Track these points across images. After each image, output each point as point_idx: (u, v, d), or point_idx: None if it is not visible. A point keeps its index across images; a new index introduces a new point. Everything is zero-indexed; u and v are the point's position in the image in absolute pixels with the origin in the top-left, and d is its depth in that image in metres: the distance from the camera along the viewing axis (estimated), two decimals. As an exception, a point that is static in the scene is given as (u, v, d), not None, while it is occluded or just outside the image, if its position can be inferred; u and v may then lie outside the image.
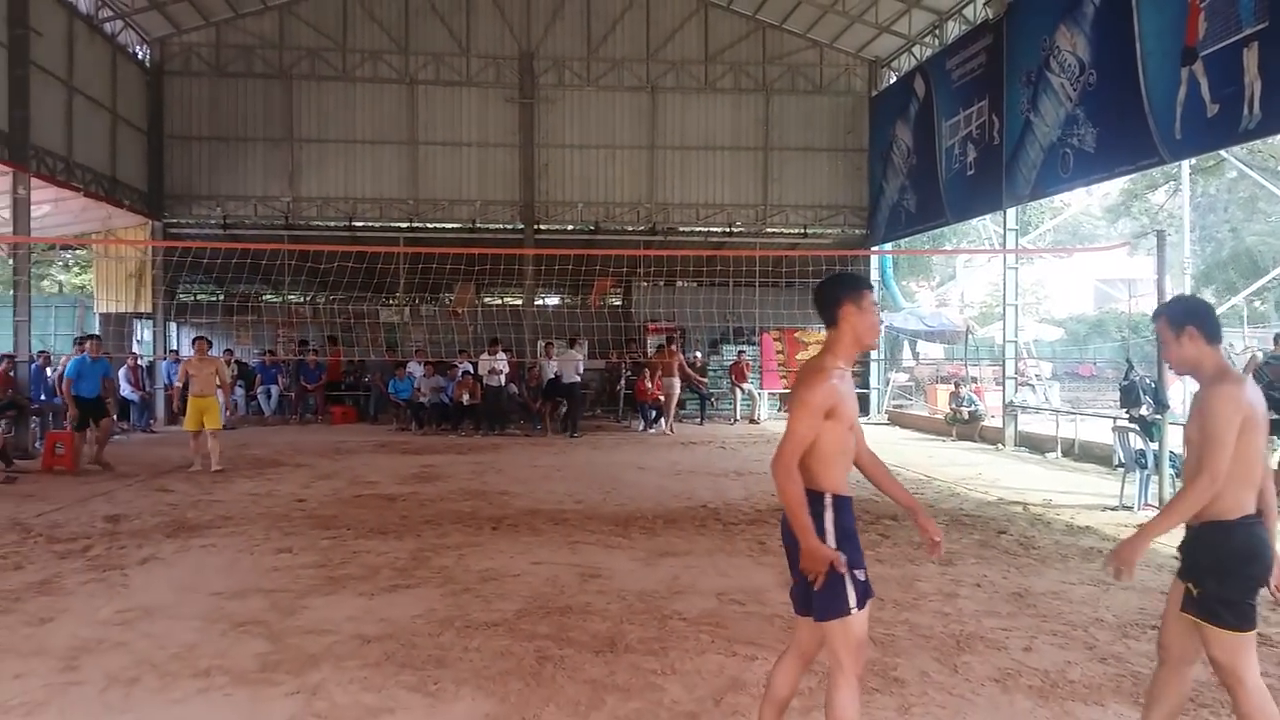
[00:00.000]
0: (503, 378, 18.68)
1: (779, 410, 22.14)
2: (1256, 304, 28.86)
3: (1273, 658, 5.23)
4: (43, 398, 15.61)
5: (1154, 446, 10.34)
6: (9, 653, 5.28)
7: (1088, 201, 32.52)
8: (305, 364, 21.07)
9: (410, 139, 21.79)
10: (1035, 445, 16.03)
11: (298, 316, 23.46)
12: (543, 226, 22.17)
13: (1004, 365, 17.64)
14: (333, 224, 21.90)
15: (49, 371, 16.80)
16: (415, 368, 19.74)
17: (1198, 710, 4.53)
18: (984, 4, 17.23)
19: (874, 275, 23.27)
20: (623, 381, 21.38)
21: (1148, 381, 12.18)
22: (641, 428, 19.33)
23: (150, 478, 12.27)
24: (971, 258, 35.03)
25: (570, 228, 22.53)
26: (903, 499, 3.96)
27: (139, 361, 19.78)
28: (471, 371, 19.05)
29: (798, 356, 22.39)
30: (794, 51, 22.55)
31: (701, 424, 20.17)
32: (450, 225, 22.33)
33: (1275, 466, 3.54)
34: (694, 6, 22.24)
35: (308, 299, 24.16)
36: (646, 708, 4.57)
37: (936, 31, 19.62)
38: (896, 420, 21.92)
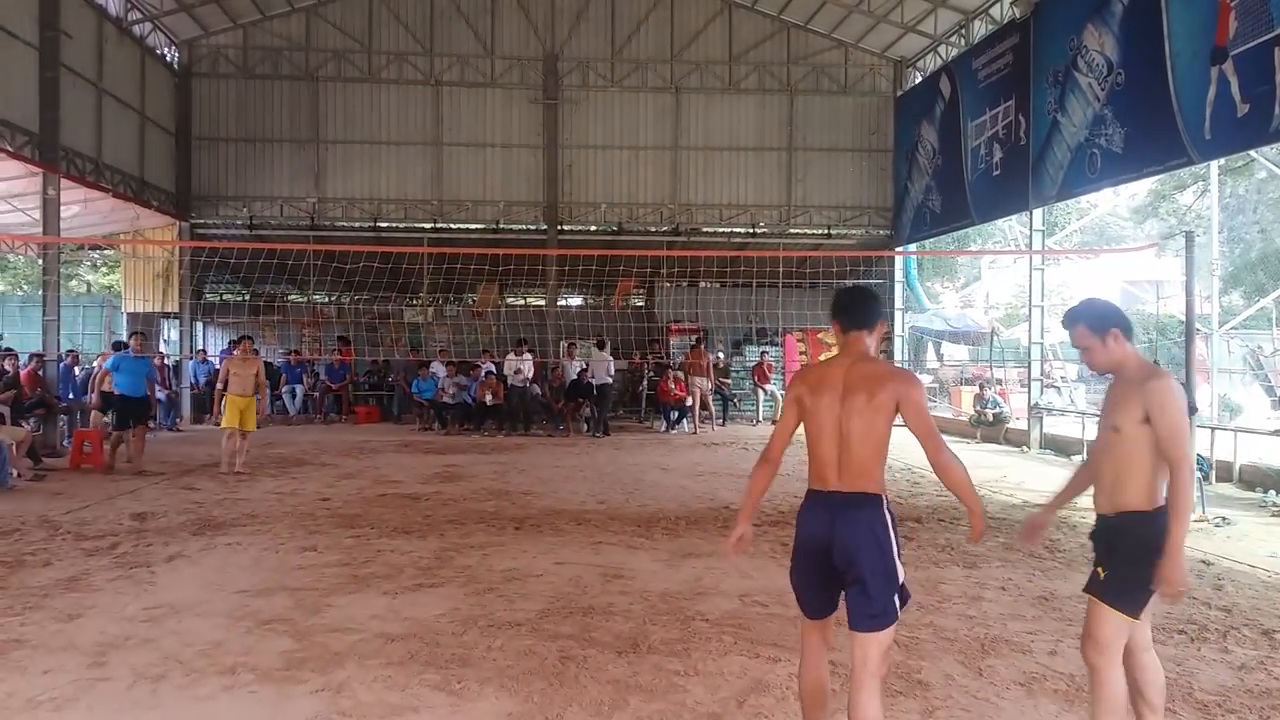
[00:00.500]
0: (527, 377, 18.75)
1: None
2: (1286, 306, 28.49)
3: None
4: (70, 396, 15.76)
5: (1182, 449, 10.24)
6: (38, 648, 5.33)
7: (1115, 202, 32.22)
8: (330, 364, 21.17)
9: (435, 140, 21.88)
10: (1061, 448, 15.90)
11: (323, 316, 23.60)
12: (566, 227, 22.20)
13: (1029, 367, 17.51)
14: (357, 225, 22.02)
15: (77, 371, 16.98)
16: (438, 368, 19.80)
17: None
18: (1011, 3, 17.11)
19: (898, 276, 23.20)
20: (645, 382, 21.38)
21: (1176, 384, 12.03)
22: (664, 428, 19.32)
23: (176, 476, 12.38)
24: (996, 259, 34.81)
25: (593, 228, 22.54)
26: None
27: (165, 361, 19.94)
28: (494, 371, 19.10)
29: (821, 358, 22.30)
30: (819, 52, 22.48)
31: (724, 425, 20.13)
32: (474, 226, 22.41)
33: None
34: (718, 7, 22.21)
35: (333, 299, 24.30)
36: (669, 709, 4.56)
37: (962, 31, 19.51)
38: (921, 422, 21.74)
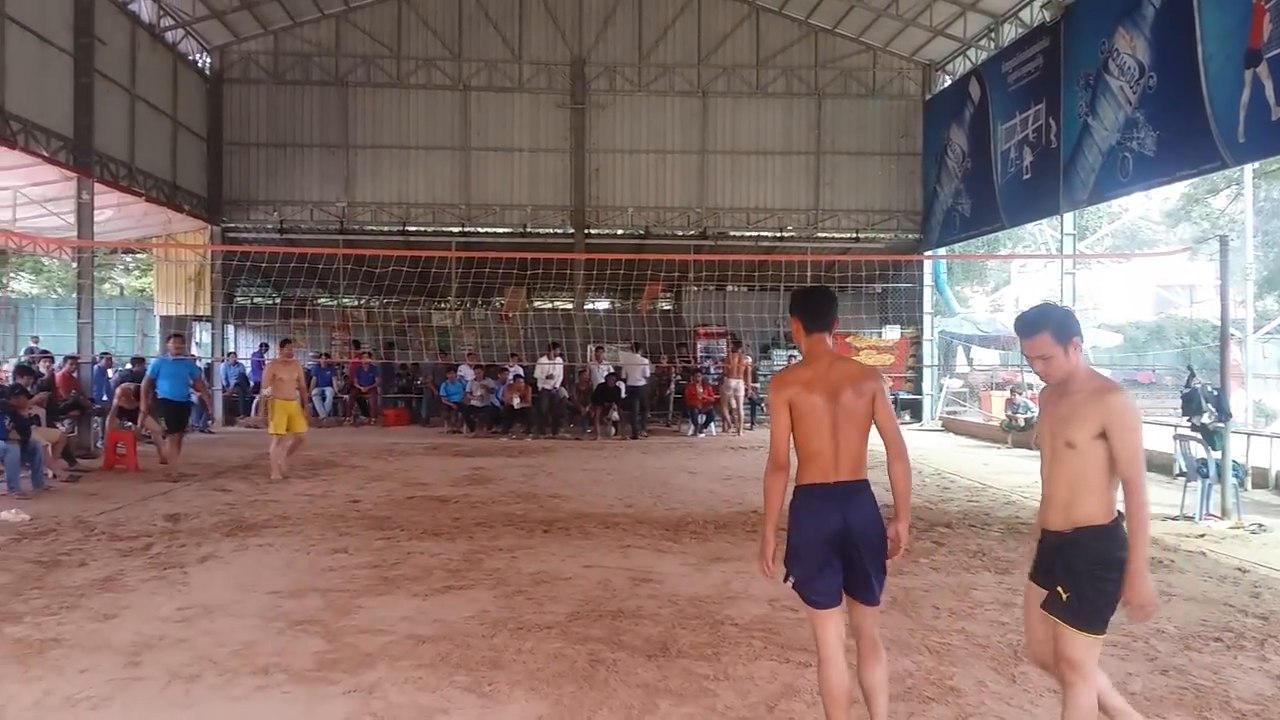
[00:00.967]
0: (557, 381, 18.82)
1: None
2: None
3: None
4: (104, 398, 15.93)
5: (1216, 455, 10.15)
6: (75, 648, 5.39)
7: (1146, 206, 31.97)
8: (360, 367, 21.31)
9: (463, 144, 21.98)
10: (1092, 453, 15.73)
11: (352, 320, 23.76)
12: (593, 231, 22.23)
13: (1061, 372, 17.32)
14: (386, 229, 22.14)
15: (110, 373, 17.16)
16: (467, 371, 19.89)
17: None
18: (1041, 6, 16.99)
19: (928, 280, 23.07)
20: (672, 386, 21.37)
21: (1209, 389, 11.93)
22: (691, 432, 19.30)
23: (209, 477, 12.48)
24: (1026, 263, 34.57)
25: (620, 232, 22.56)
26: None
27: (198, 363, 20.09)
28: (522, 374, 19.15)
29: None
30: (847, 55, 22.41)
31: (751, 429, 20.09)
32: (502, 230, 22.50)
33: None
34: (745, 11, 22.20)
35: (362, 302, 24.45)
36: (699, 713, 4.56)
37: (992, 34, 19.39)
38: (950, 427, 21.66)
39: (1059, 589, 3.60)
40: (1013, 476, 13.38)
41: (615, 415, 19.13)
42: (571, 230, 22.19)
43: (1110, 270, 37.73)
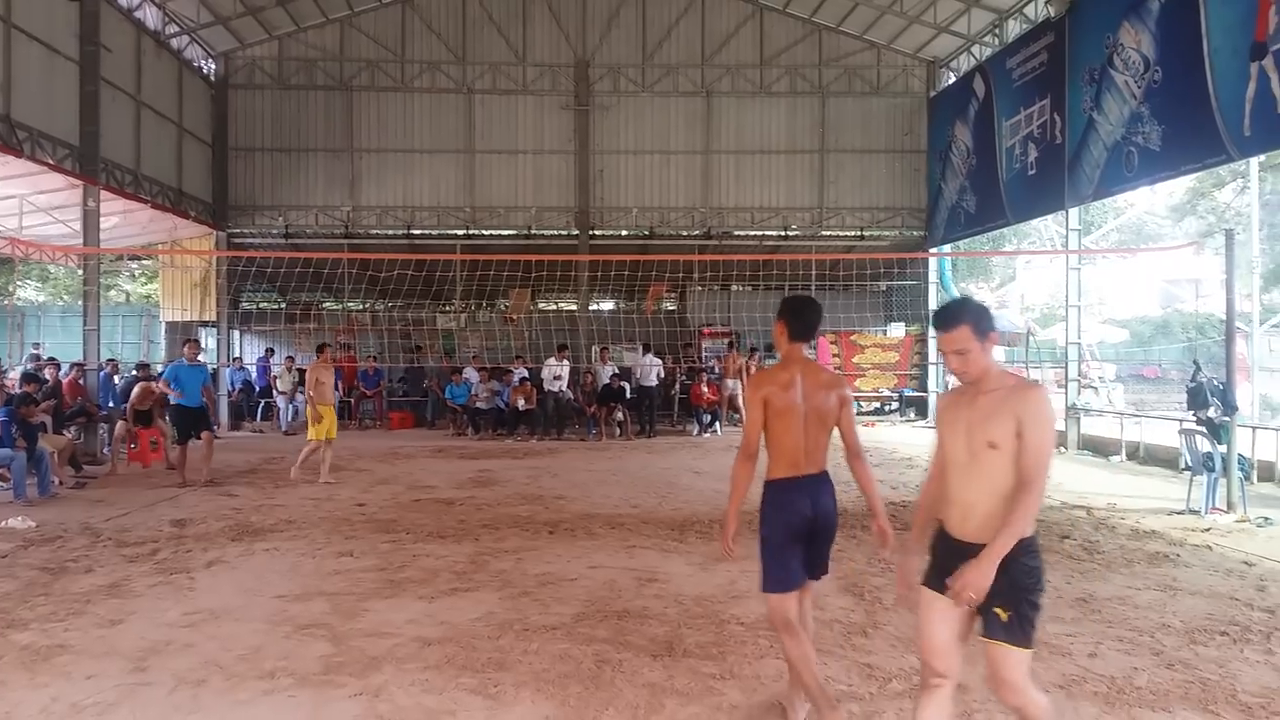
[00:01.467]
0: (565, 383, 18.85)
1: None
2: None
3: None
4: (110, 404, 15.97)
5: (1221, 449, 10.13)
6: (81, 654, 5.41)
7: (1152, 200, 31.92)
8: (365, 370, 21.33)
9: (467, 147, 22.01)
10: (1099, 448, 15.74)
11: (357, 324, 23.81)
12: (597, 232, 22.24)
13: (1067, 367, 17.33)
14: (391, 232, 22.18)
15: (116, 379, 17.21)
16: (472, 373, 19.91)
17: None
18: (1045, 2, 16.96)
19: (932, 277, 23.03)
20: (677, 386, 21.38)
21: (1215, 383, 11.89)
22: (696, 432, 19.30)
23: (215, 483, 12.48)
24: (1032, 259, 34.51)
25: (625, 233, 22.54)
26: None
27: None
28: (527, 376, 19.18)
29: (854, 360, 22.22)
30: (851, 53, 22.39)
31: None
32: (506, 232, 22.52)
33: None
34: (749, 11, 22.19)
35: (367, 306, 24.50)
36: (705, 712, 4.56)
37: (996, 30, 19.36)
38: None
39: (996, 610, 3.38)
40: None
41: (620, 416, 19.14)
42: (576, 232, 22.19)
43: (1116, 265, 37.66)
